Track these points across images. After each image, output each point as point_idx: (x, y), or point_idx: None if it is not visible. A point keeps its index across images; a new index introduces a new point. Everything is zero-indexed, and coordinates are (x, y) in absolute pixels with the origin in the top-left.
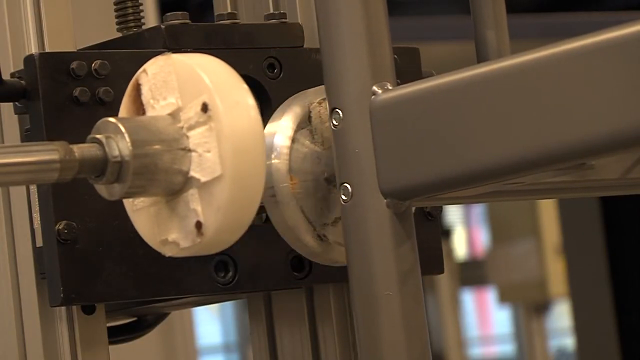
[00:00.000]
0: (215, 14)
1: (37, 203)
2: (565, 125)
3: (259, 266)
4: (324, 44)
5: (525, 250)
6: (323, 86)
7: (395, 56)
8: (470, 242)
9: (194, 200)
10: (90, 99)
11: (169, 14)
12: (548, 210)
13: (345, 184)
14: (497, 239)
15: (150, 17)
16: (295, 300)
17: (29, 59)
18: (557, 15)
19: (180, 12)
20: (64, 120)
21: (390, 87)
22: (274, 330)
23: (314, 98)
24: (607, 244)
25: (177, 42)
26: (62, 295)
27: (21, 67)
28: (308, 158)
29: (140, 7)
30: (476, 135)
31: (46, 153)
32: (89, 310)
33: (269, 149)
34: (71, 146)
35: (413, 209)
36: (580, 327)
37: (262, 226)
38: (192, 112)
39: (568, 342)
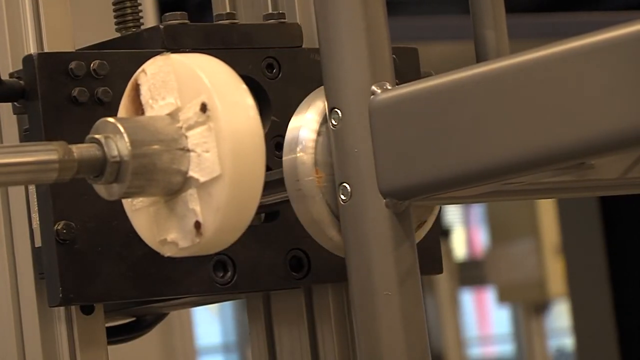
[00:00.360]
0: (214, 14)
1: (35, 203)
2: (565, 124)
3: (257, 266)
4: (323, 43)
5: (524, 250)
6: None
7: (394, 56)
8: (470, 242)
9: (192, 200)
10: (89, 99)
11: (167, 14)
12: (547, 210)
13: (344, 184)
14: (497, 239)
15: (150, 17)
16: (294, 300)
17: (27, 59)
18: (557, 15)
19: (179, 12)
20: (62, 120)
21: (389, 87)
22: (273, 330)
23: None
24: (607, 243)
25: (175, 42)
26: (60, 295)
27: (20, 67)
28: None
29: (139, 7)
30: (475, 135)
31: (45, 153)
32: (87, 310)
33: (294, 143)
34: (70, 146)
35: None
36: (580, 326)
37: (260, 226)
38: (191, 112)
39: (567, 341)
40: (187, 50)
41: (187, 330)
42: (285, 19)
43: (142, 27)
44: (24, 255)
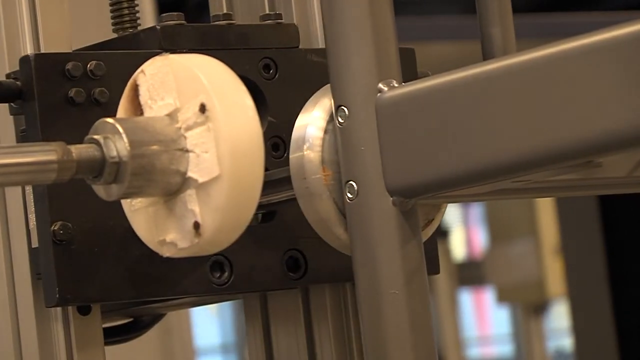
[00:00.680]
0: (211, 14)
1: (32, 204)
2: (574, 122)
3: (254, 267)
4: (330, 41)
5: (523, 250)
6: None
7: None
8: (469, 242)
9: (191, 201)
10: (86, 100)
11: (164, 14)
12: (546, 210)
13: (351, 182)
14: (496, 239)
15: (148, 18)
16: (291, 301)
17: (24, 60)
18: (557, 15)
19: (175, 13)
20: (59, 121)
21: (396, 85)
22: (270, 331)
23: None
24: (606, 243)
25: (172, 43)
26: (57, 295)
27: (17, 68)
28: None
29: (136, 8)
30: (483, 133)
31: (44, 154)
32: (84, 310)
33: (301, 141)
34: (69, 147)
35: None
36: (579, 327)
37: (257, 227)
38: (189, 112)
39: (566, 342)
40: (184, 50)
41: (185, 331)
42: (282, 19)
43: (140, 28)
44: (20, 255)
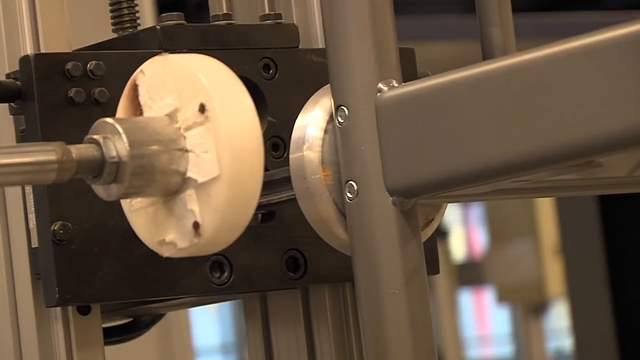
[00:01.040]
0: (211, 14)
1: (32, 204)
2: (574, 122)
3: (254, 267)
4: (330, 40)
5: (523, 251)
6: None
7: None
8: (468, 242)
9: (191, 201)
10: (86, 100)
11: (164, 14)
12: (546, 211)
13: (351, 182)
14: (495, 240)
15: (148, 18)
16: (290, 301)
17: (24, 60)
18: (557, 15)
19: (175, 13)
20: (59, 121)
21: (396, 85)
22: (270, 331)
23: None
24: (605, 244)
25: (172, 43)
26: (57, 295)
27: (16, 67)
28: None
29: (136, 8)
30: (483, 132)
31: (44, 154)
32: (84, 310)
33: (301, 141)
34: (69, 147)
35: None
36: (579, 327)
37: (257, 227)
38: (189, 112)
39: (566, 342)
40: (184, 50)
41: (185, 331)
42: (281, 19)
43: (139, 28)
44: (20, 255)
